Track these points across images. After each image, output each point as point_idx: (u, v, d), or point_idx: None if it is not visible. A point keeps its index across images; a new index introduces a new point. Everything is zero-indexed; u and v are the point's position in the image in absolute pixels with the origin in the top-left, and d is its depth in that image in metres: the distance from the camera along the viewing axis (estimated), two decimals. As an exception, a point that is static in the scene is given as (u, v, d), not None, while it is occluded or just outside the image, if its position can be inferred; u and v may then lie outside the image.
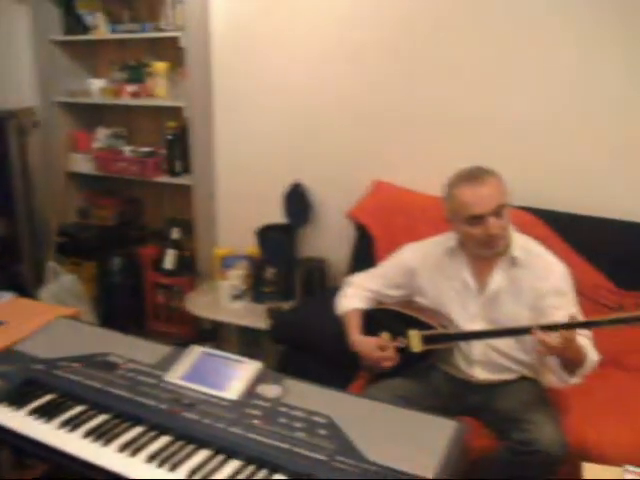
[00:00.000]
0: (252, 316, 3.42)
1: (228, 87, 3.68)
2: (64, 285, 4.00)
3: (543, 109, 2.97)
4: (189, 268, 3.97)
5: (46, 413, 1.77)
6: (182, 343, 3.52)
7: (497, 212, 2.20)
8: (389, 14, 3.18)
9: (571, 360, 2.13)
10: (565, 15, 2.83)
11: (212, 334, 3.73)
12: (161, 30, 3.79)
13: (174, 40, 3.64)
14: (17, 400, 1.82)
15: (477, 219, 2.21)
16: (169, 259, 3.97)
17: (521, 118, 3.02)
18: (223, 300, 3.53)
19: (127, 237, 4.29)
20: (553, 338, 2.03)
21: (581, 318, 2.27)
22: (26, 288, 4.11)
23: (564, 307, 2.25)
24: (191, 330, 3.98)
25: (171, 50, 3.78)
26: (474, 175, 2.25)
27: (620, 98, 2.82)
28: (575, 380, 2.20)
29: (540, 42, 2.91)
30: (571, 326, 2.10)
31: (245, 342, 3.65)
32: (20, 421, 1.75)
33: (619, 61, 2.79)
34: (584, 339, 2.15)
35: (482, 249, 2.29)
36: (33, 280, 4.17)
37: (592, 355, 2.16)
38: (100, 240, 4.22)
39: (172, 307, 4.04)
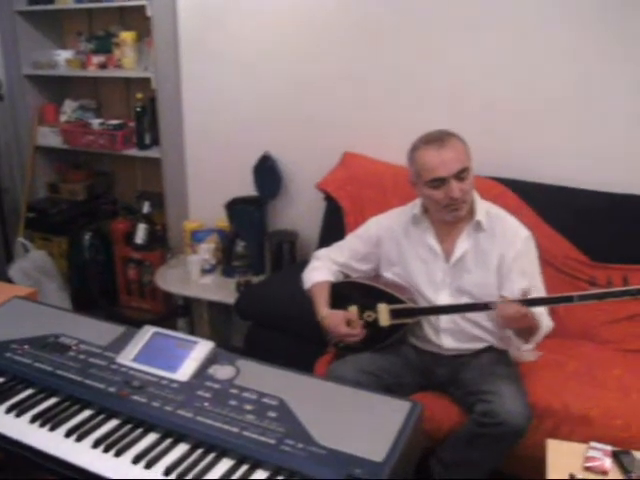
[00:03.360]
0: (222, 291, 3.38)
1: (196, 57, 3.59)
2: (34, 261, 3.96)
3: (512, 78, 2.92)
4: (160, 242, 3.92)
5: (-6, 398, 1.73)
6: (155, 319, 3.54)
7: (459, 175, 2.19)
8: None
9: (525, 329, 2.15)
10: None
11: (185, 310, 3.68)
12: (127, -1, 3.69)
13: (141, 9, 3.57)
14: (-35, 384, 1.78)
15: (439, 182, 2.20)
16: (140, 233, 3.91)
17: (491, 87, 2.97)
18: (193, 275, 3.49)
19: (97, 211, 4.23)
20: (509, 310, 2.05)
21: (540, 285, 2.28)
22: (-5, 265, 4.06)
23: (528, 272, 2.25)
24: (164, 306, 3.94)
25: (138, 20, 3.72)
26: (437, 137, 2.23)
27: (587, 68, 2.79)
28: (528, 347, 2.25)
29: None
30: (533, 302, 2.10)
31: (216, 318, 3.60)
32: (-34, 406, 1.71)
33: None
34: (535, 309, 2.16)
35: (444, 213, 2.27)
36: (2, 257, 4.10)
37: (546, 322, 2.20)
38: (70, 215, 4.16)
39: (144, 282, 4.00)
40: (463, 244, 2.31)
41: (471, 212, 2.31)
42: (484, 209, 2.33)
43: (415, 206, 2.40)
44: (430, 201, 2.27)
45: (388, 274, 2.46)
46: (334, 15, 3.19)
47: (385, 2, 3.06)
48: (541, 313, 2.18)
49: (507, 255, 2.27)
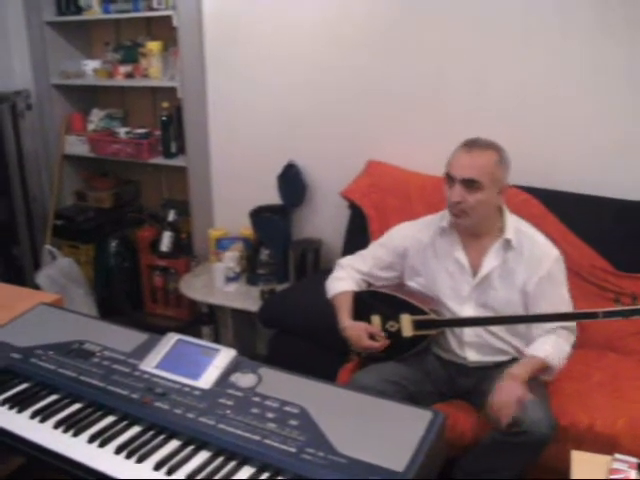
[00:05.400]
0: (246, 299, 3.39)
1: (222, 67, 3.61)
2: (61, 268, 3.99)
3: (540, 87, 2.90)
4: (185, 250, 3.94)
5: (19, 403, 1.74)
6: (179, 327, 3.56)
7: (468, 184, 2.18)
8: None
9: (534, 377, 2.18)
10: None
11: (209, 317, 3.70)
12: (154, 9, 3.72)
13: (167, 20, 3.59)
14: (-8, 390, 1.80)
15: (450, 180, 2.24)
16: (165, 241, 3.94)
17: (517, 96, 2.95)
18: (217, 283, 3.50)
19: (124, 219, 4.27)
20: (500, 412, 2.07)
21: (567, 306, 2.26)
22: (23, 272, 4.11)
23: (555, 295, 2.23)
24: (189, 313, 3.97)
25: (165, 30, 3.74)
26: (474, 142, 2.25)
27: (620, 76, 2.76)
28: (548, 377, 2.24)
29: (537, 18, 2.84)
30: (560, 318, 2.10)
31: (240, 325, 3.61)
32: (-8, 411, 1.73)
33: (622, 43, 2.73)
34: (546, 342, 2.20)
35: (449, 214, 2.30)
36: (30, 264, 4.15)
37: (556, 361, 2.19)
38: (97, 223, 4.21)
39: (169, 290, 4.02)
40: (491, 261, 2.29)
41: (501, 229, 2.29)
42: (514, 226, 2.30)
43: (444, 218, 2.38)
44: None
45: (412, 283, 2.45)
46: (360, 27, 3.19)
47: (410, 12, 3.06)
48: (546, 356, 2.18)
49: (534, 276, 2.25)
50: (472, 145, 2.22)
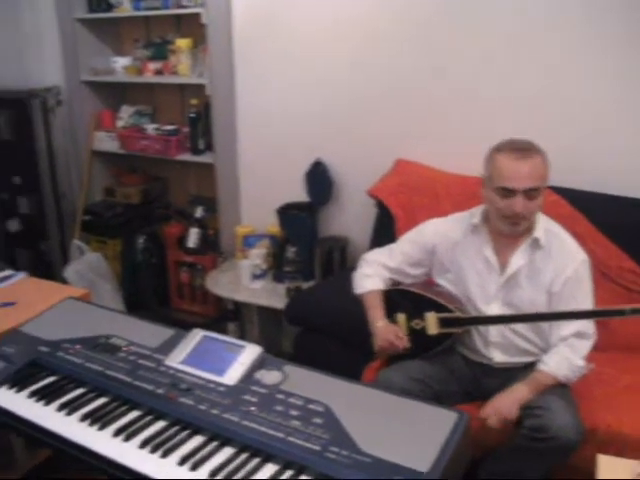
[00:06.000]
0: (272, 296, 3.39)
1: (250, 64, 3.62)
2: (89, 263, 4.03)
3: (570, 88, 2.87)
4: (212, 247, 3.96)
5: (46, 396, 1.76)
6: (205, 323, 3.57)
7: (529, 193, 2.13)
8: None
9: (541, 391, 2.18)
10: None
11: (235, 314, 3.71)
12: (183, 7, 3.74)
13: (197, 17, 3.60)
14: (20, 382, 1.82)
15: (507, 192, 2.15)
16: (192, 237, 3.96)
17: (547, 96, 2.92)
18: (244, 279, 3.51)
19: (151, 215, 4.29)
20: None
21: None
22: (52, 266, 4.15)
23: (579, 296, 2.21)
24: (215, 309, 3.98)
25: (194, 27, 3.75)
26: (522, 148, 2.17)
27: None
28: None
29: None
30: (586, 315, 2.07)
31: (266, 322, 3.62)
32: (20, 403, 1.74)
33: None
34: (554, 355, 2.20)
35: (502, 223, 2.23)
36: (59, 258, 4.19)
37: (563, 372, 2.18)
38: (125, 218, 4.23)
39: (195, 286, 4.04)
40: (518, 260, 2.27)
41: (530, 228, 2.26)
42: (544, 226, 2.27)
43: (474, 215, 2.36)
44: (492, 207, 2.23)
45: (441, 280, 2.44)
46: (390, 24, 3.17)
47: (442, 10, 3.04)
48: (553, 370, 2.18)
49: (560, 276, 2.22)
50: (522, 152, 2.15)
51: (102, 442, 1.58)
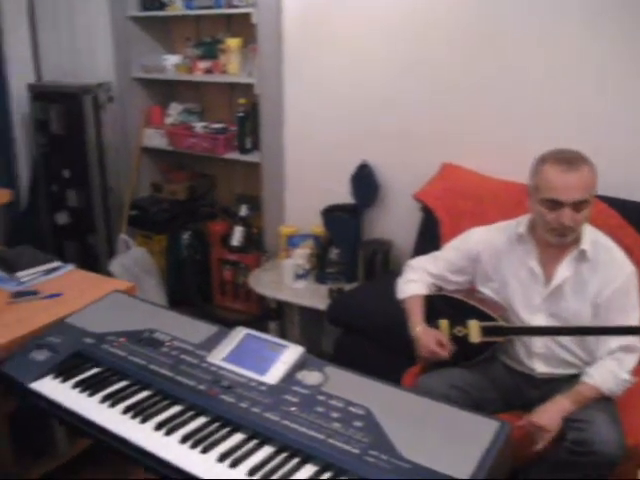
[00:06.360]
0: (314, 296, 3.39)
1: (299, 65, 3.62)
2: (135, 258, 4.08)
3: (620, 95, 2.81)
4: (256, 245, 3.97)
5: (90, 387, 1.79)
6: (247, 321, 3.59)
7: (577, 205, 2.10)
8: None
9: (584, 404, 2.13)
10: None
11: (277, 313, 3.72)
12: (234, 6, 3.77)
13: (247, 17, 3.62)
14: (64, 372, 1.85)
15: (555, 204, 2.11)
16: (237, 235, 3.98)
17: (597, 104, 2.86)
18: (287, 279, 3.52)
19: (197, 212, 4.33)
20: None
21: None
22: (98, 260, 4.21)
23: (625, 309, 2.16)
24: (257, 308, 4.00)
25: (244, 26, 3.77)
26: (569, 159, 2.13)
27: None
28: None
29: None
30: (630, 331, 2.03)
31: (307, 323, 3.62)
32: (65, 393, 1.77)
33: None
34: (600, 368, 2.16)
35: (549, 234, 2.19)
36: (105, 252, 4.25)
37: (609, 385, 2.14)
38: (171, 214, 4.27)
39: (238, 284, 4.06)
40: (564, 271, 2.23)
41: (577, 239, 2.22)
42: (591, 238, 2.23)
43: (520, 224, 2.33)
44: (539, 218, 2.20)
45: (484, 289, 2.41)
46: (439, 24, 3.15)
47: (492, 9, 3.01)
48: (597, 383, 2.13)
49: (607, 288, 2.19)
50: (570, 163, 2.11)
51: (144, 435, 1.59)
